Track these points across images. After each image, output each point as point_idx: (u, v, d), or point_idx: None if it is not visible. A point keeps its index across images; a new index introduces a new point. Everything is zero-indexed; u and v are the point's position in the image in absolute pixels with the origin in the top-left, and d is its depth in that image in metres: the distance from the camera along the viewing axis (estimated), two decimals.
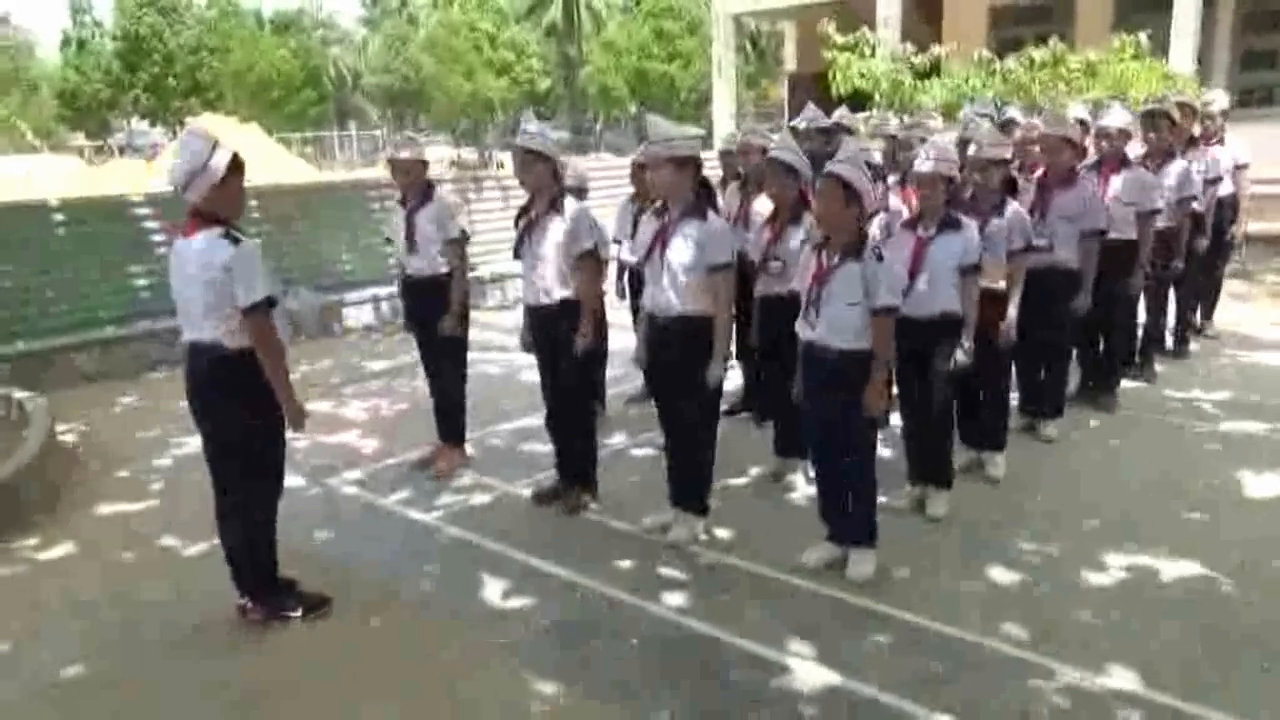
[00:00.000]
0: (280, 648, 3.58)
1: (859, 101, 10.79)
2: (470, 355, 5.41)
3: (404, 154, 5.07)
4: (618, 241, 6.16)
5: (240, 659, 3.52)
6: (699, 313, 4.02)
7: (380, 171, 27.92)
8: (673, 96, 41.98)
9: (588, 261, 4.45)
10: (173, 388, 6.47)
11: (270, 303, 3.42)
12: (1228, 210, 7.10)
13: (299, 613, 3.73)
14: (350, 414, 6.58)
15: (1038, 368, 5.46)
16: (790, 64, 20.84)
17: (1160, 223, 5.84)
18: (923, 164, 4.23)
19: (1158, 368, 6.59)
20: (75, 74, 47.31)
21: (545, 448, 5.56)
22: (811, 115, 6.14)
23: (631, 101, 43.91)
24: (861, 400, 3.71)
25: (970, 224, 4.33)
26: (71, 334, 7.87)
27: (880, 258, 3.71)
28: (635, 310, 5.67)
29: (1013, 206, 4.73)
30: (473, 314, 5.58)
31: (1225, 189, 6.94)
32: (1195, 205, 6.31)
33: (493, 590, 3.94)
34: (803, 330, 3.84)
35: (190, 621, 3.77)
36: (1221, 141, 7.04)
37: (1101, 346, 5.95)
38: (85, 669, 3.48)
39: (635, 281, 5.89)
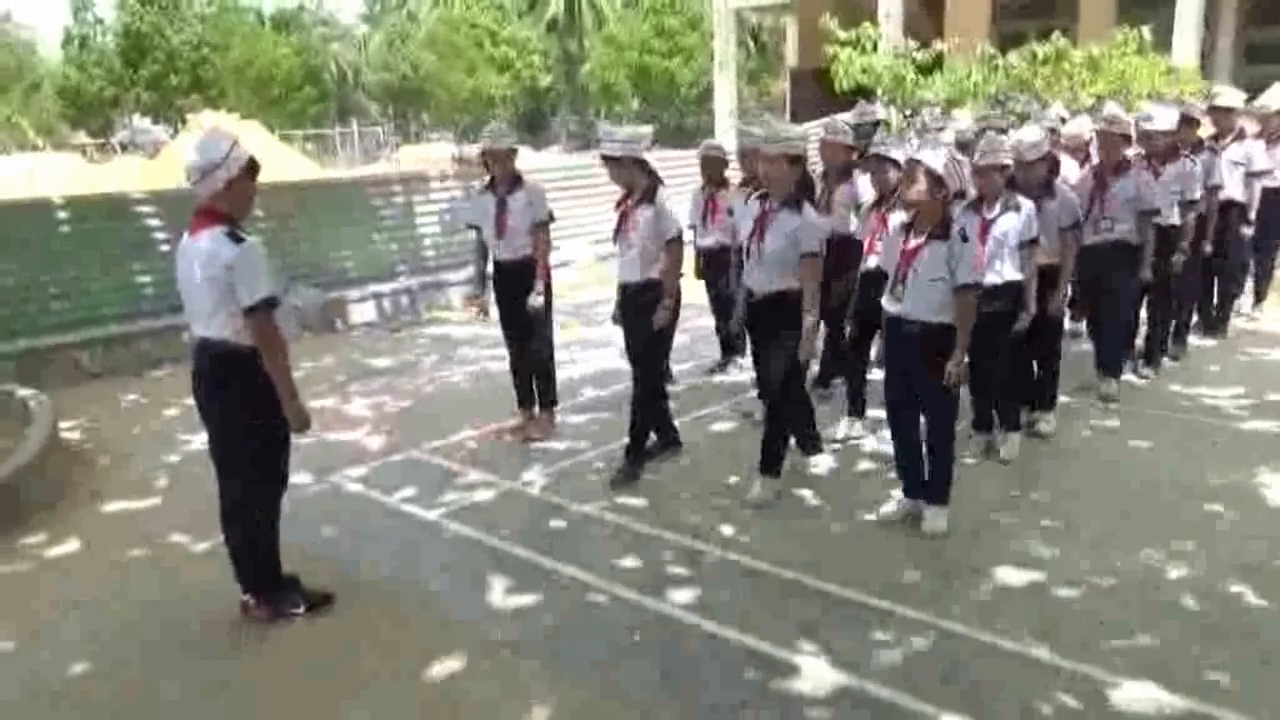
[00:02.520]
0: (282, 647, 3.58)
1: (864, 98, 10.77)
2: (473, 352, 5.45)
3: (500, 144, 5.45)
4: (692, 227, 6.60)
5: (242, 658, 3.52)
6: (790, 290, 4.48)
7: (382, 168, 27.89)
8: (674, 92, 41.91)
9: (673, 247, 4.92)
10: (176, 385, 6.49)
11: (272, 302, 3.43)
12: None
13: (302, 609, 3.74)
14: (354, 411, 6.58)
15: (1103, 333, 6.04)
16: (792, 59, 20.84)
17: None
18: (981, 158, 4.82)
19: (1169, 362, 6.74)
20: (77, 71, 47.34)
21: (550, 444, 5.59)
22: (863, 110, 6.57)
23: (633, 97, 43.84)
24: (943, 369, 4.05)
25: (1028, 204, 4.91)
26: (74, 331, 7.87)
27: (965, 238, 4.10)
28: (711, 291, 6.79)
29: (1061, 189, 5.27)
30: (478, 312, 5.75)
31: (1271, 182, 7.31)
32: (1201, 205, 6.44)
33: (496, 588, 3.94)
34: (889, 304, 4.23)
35: (193, 620, 3.77)
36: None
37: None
38: (87, 668, 3.49)
39: (710, 264, 6.68)
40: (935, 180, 4.00)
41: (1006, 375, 5.08)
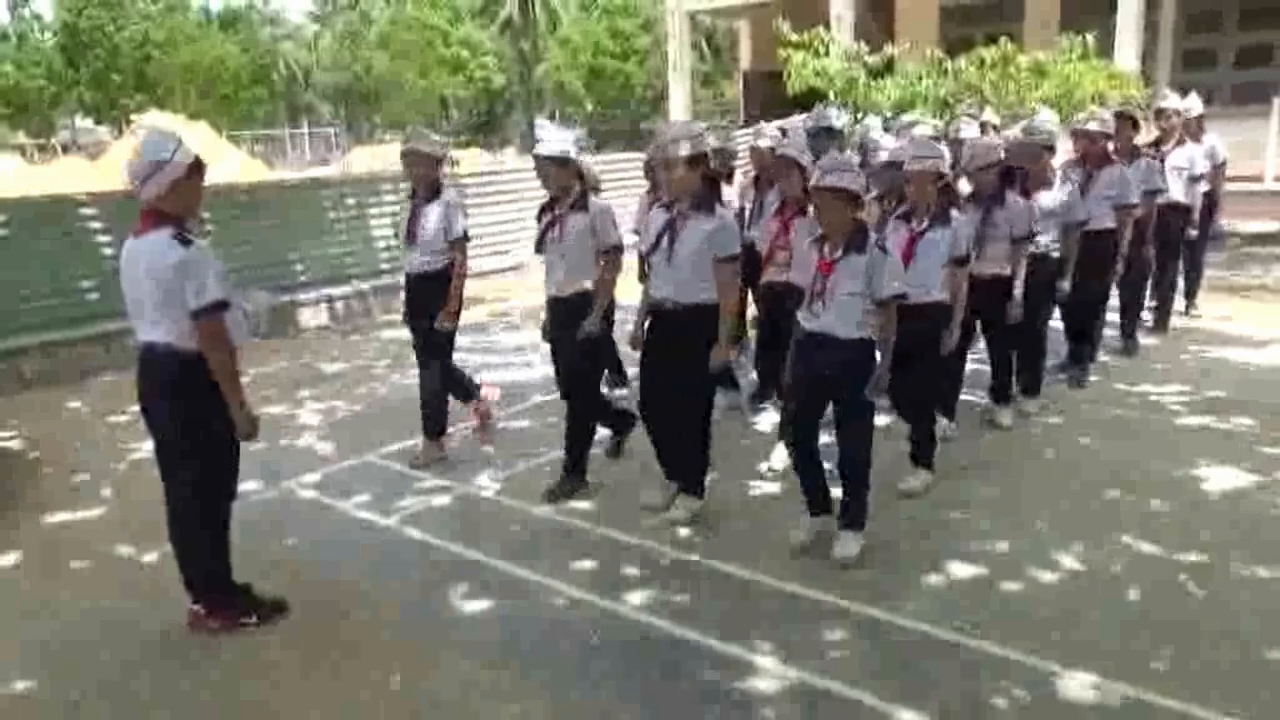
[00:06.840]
0: (234, 658, 3.51)
1: (813, 100, 10.86)
2: None
3: (417, 146, 5.08)
4: (636, 233, 6.20)
5: (193, 669, 3.45)
6: (705, 301, 4.18)
7: (332, 170, 27.50)
8: (628, 94, 41.98)
9: (611, 256, 4.63)
10: (120, 392, 6.34)
11: (221, 305, 3.36)
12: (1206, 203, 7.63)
13: (254, 619, 3.67)
14: (306, 416, 6.48)
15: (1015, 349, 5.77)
16: (745, 62, 20.95)
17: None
18: (913, 162, 4.50)
19: (1118, 359, 6.91)
20: (15, 69, 45.98)
21: (506, 449, 5.55)
22: (819, 115, 6.37)
23: (587, 99, 43.82)
24: (863, 386, 3.85)
25: (960, 218, 4.62)
26: (13, 338, 7.64)
27: (884, 250, 3.87)
28: None
29: (1011, 199, 5.09)
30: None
31: (1205, 185, 7.50)
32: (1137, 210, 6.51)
33: (454, 592, 3.91)
34: (806, 320, 3.95)
35: (140, 633, 3.69)
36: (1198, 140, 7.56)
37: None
38: (30, 685, 3.39)
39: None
40: (844, 197, 3.74)
41: (928, 398, 4.76)
